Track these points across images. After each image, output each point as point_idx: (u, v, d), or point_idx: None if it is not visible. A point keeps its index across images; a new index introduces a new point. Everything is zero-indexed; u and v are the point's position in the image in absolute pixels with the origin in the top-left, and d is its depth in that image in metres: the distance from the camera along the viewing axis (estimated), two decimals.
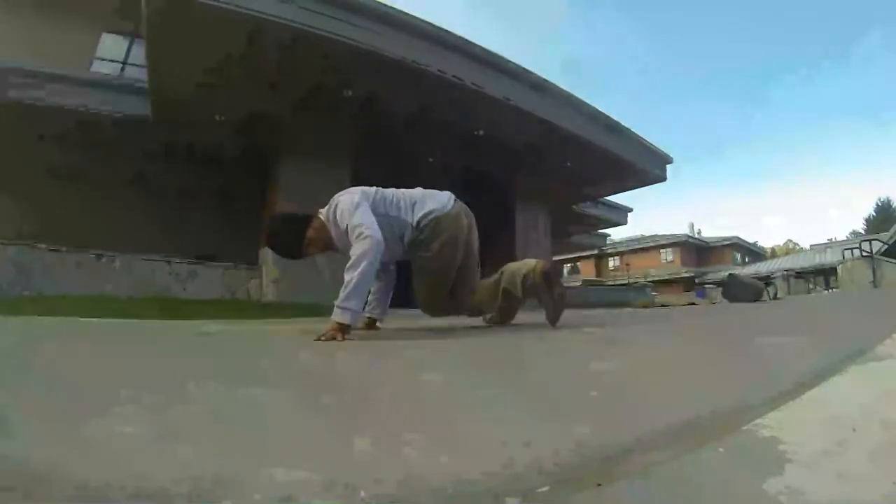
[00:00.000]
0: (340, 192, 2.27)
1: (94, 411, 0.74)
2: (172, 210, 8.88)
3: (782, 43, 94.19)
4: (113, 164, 8.23)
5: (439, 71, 6.69)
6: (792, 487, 0.47)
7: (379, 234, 2.03)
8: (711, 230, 52.04)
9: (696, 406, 0.76)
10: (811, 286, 22.38)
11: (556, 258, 19.51)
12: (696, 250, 35.54)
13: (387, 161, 8.63)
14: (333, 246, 2.24)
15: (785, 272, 23.51)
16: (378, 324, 2.53)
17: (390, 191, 2.33)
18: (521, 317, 2.62)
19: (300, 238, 2.20)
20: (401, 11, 6.52)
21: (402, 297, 2.67)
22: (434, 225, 2.25)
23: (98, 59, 9.26)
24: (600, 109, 9.13)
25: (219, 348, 1.89)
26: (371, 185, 2.36)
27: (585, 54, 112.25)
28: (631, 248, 35.75)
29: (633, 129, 9.88)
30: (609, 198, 13.91)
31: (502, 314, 2.54)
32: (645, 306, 10.18)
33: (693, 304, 11.93)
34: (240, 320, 3.41)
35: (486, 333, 2.32)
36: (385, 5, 6.31)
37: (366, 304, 2.18)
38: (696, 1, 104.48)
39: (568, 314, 2.39)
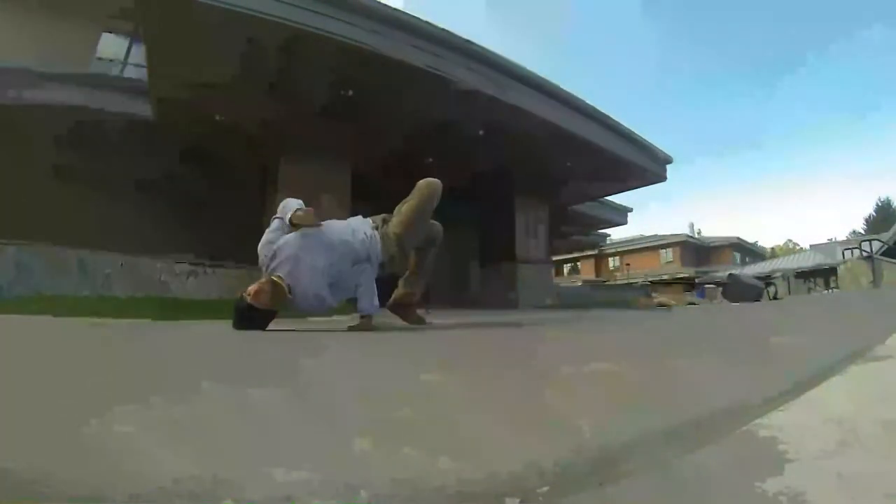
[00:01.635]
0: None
1: (93, 411, 0.74)
2: (172, 210, 8.87)
3: (782, 42, 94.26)
4: (113, 163, 8.23)
5: (439, 71, 6.70)
6: (792, 487, 0.47)
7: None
8: (711, 230, 51.97)
9: (696, 406, 0.76)
10: (811, 286, 22.37)
11: (556, 258, 19.52)
12: (696, 250, 35.53)
13: (386, 161, 8.63)
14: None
15: (785, 272, 23.50)
16: (374, 322, 2.56)
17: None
18: (518, 316, 2.63)
19: (245, 305, 2.35)
20: (401, 11, 6.53)
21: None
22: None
23: (98, 59, 9.26)
24: (600, 109, 9.13)
25: (218, 348, 1.89)
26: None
27: (585, 53, 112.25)
28: (631, 248, 35.72)
29: (633, 129, 9.88)
30: (609, 198, 13.91)
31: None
32: (645, 306, 10.19)
33: (693, 303, 11.95)
34: None
35: (485, 334, 2.33)
36: (385, 5, 6.32)
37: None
38: (696, 1, 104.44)
39: (568, 314, 2.40)
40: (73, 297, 5.28)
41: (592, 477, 0.50)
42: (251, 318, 2.32)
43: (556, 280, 21.14)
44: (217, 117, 7.23)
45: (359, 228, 2.60)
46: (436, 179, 2.77)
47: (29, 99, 7.12)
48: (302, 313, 2.77)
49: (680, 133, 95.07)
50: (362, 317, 2.54)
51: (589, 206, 13.83)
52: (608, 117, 9.32)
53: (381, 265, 2.63)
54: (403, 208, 2.72)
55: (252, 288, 2.33)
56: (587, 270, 36.71)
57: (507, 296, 9.92)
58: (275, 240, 2.43)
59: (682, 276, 26.90)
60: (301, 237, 2.45)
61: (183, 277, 7.02)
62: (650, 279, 28.84)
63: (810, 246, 32.07)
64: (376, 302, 2.58)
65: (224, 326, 2.48)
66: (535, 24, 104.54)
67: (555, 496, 0.46)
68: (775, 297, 12.83)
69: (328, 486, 0.46)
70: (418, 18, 6.65)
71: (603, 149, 9.20)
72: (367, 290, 2.55)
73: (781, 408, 0.77)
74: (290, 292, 2.36)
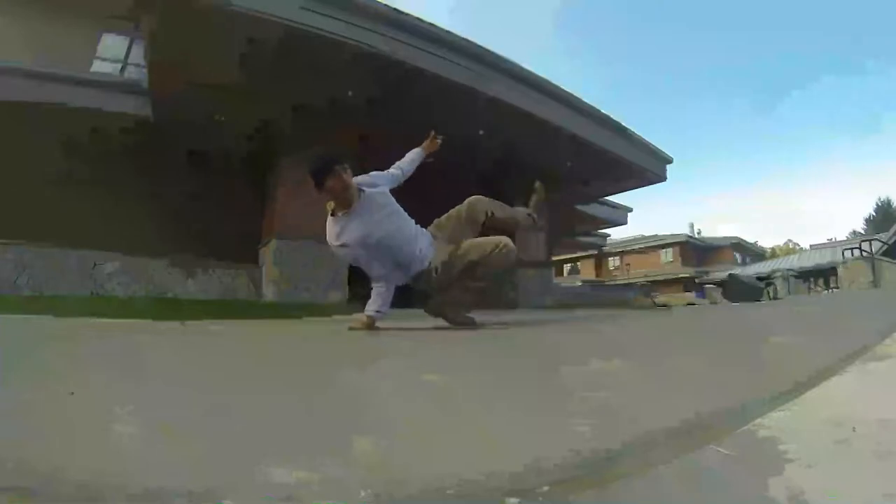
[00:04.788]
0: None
1: (94, 411, 0.74)
2: (172, 210, 8.86)
3: (782, 43, 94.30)
4: (113, 163, 8.22)
5: (439, 72, 6.70)
6: (792, 487, 0.47)
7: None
8: (711, 230, 51.96)
9: (696, 406, 0.76)
10: (811, 286, 22.35)
11: (555, 258, 19.50)
12: (696, 250, 35.48)
13: (387, 162, 8.62)
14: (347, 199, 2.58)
15: (785, 272, 23.48)
16: (377, 324, 2.56)
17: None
18: (519, 316, 2.62)
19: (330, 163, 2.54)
20: (401, 12, 6.52)
21: (400, 299, 2.72)
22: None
23: (98, 59, 9.26)
24: (600, 109, 9.13)
25: (218, 348, 1.89)
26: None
27: (585, 52, 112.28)
28: (631, 248, 35.69)
29: (633, 129, 9.88)
30: (609, 198, 13.89)
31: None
32: (644, 306, 10.19)
33: (692, 303, 11.95)
34: (240, 320, 3.41)
35: (485, 334, 2.33)
36: (385, 6, 6.31)
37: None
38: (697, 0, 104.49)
39: (568, 314, 2.40)
40: (73, 296, 5.28)
41: (592, 477, 0.50)
42: None
43: (556, 280, 21.12)
44: (217, 117, 7.23)
45: (419, 240, 2.66)
46: (514, 248, 2.75)
47: (28, 99, 7.12)
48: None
49: (680, 133, 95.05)
50: (367, 316, 2.53)
51: (589, 206, 13.82)
52: (608, 117, 9.32)
53: (416, 276, 2.60)
54: (489, 249, 2.68)
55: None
56: (587, 270, 36.67)
57: (507, 296, 9.92)
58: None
59: (682, 276, 26.91)
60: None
61: (183, 277, 7.03)
62: (650, 279, 28.85)
63: (810, 246, 32.08)
64: (386, 307, 2.58)
65: (224, 326, 2.48)
66: (535, 24, 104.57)
67: (555, 496, 0.46)
68: (775, 298, 12.84)
69: (328, 486, 0.46)
70: (418, 19, 6.66)
71: (603, 149, 9.20)
72: (384, 292, 2.56)
73: (781, 408, 0.77)
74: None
